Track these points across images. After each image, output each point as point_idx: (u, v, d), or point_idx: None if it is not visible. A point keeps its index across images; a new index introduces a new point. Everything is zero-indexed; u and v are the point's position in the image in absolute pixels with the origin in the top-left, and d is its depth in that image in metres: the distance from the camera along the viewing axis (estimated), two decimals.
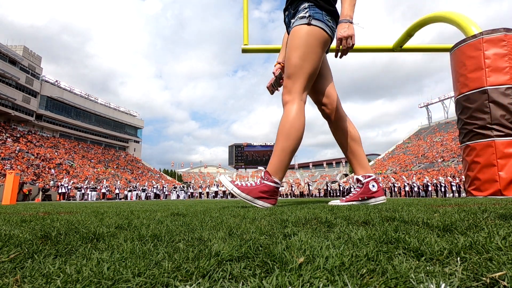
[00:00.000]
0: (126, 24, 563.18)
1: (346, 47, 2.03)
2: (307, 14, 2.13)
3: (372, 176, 2.40)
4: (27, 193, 19.15)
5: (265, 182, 2.12)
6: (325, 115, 2.49)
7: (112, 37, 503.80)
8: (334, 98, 2.44)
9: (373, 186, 2.37)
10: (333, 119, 2.45)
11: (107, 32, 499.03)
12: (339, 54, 2.09)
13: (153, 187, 26.92)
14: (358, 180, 2.42)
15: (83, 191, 22.40)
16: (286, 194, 35.65)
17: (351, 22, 2.03)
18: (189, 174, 62.37)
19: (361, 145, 2.47)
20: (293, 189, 33.03)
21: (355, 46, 9.47)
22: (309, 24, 2.12)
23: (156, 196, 26.17)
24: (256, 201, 2.10)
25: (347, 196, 2.45)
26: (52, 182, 25.56)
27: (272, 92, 2.76)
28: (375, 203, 2.33)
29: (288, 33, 2.37)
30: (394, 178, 28.97)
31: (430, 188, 22.16)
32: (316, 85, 2.44)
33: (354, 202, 2.34)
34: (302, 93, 2.19)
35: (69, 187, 21.68)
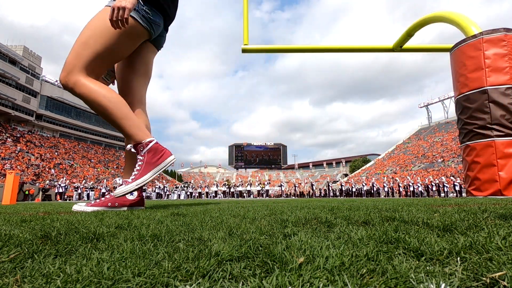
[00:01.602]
0: None
1: (117, 19, 1.85)
2: None
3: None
4: (32, 193, 19.11)
5: (147, 149, 2.07)
6: None
7: None
8: (137, 100, 2.31)
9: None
10: None
11: None
12: (114, 24, 1.89)
13: (156, 187, 26.92)
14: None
15: (79, 191, 22.35)
16: (287, 194, 35.66)
17: None
18: (189, 174, 62.33)
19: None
20: (296, 190, 33.06)
21: (355, 46, 9.51)
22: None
23: (159, 196, 26.19)
24: (157, 169, 2.08)
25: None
26: (48, 181, 25.47)
27: (106, 84, 2.58)
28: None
29: None
30: (398, 179, 28.99)
31: (434, 188, 22.14)
32: (123, 82, 2.31)
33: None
34: (87, 74, 2.00)
35: (66, 186, 21.63)
